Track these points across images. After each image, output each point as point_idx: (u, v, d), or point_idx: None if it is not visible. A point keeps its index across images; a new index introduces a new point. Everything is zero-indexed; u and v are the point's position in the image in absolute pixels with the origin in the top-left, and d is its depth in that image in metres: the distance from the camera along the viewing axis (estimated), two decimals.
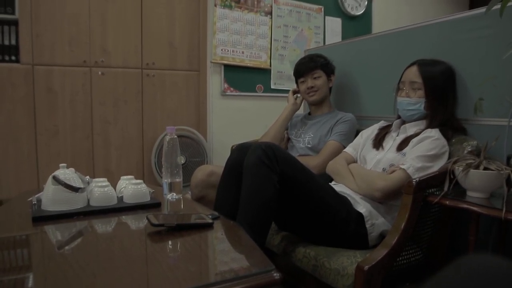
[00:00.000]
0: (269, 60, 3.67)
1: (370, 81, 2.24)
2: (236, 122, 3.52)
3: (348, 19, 4.15)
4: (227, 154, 1.75)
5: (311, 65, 2.18)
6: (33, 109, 2.79)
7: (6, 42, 2.77)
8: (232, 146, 2.05)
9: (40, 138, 2.81)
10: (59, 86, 2.85)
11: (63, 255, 1.03)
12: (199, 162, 3.13)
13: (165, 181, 1.44)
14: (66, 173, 1.35)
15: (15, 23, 2.75)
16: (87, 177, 1.46)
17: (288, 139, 2.28)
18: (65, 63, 2.88)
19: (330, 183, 1.75)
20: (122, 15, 3.04)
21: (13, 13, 2.74)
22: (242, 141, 1.95)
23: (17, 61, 2.76)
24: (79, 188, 1.32)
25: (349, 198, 1.60)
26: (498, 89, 1.51)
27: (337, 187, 1.69)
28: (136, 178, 1.54)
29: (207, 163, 3.19)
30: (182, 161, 2.98)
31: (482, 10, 1.62)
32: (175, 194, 1.43)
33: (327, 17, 4.02)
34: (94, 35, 2.96)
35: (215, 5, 3.41)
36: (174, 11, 3.22)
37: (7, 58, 2.76)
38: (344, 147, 1.92)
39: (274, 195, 1.42)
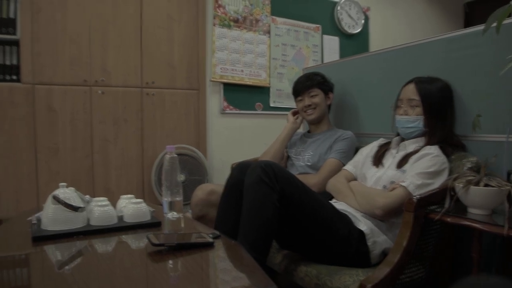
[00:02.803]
0: (268, 79, 3.70)
1: (368, 98, 2.26)
2: (235, 140, 3.53)
3: (345, 37, 4.20)
4: (227, 172, 1.75)
5: (308, 83, 2.19)
6: (34, 128, 2.79)
7: (8, 62, 2.80)
8: (232, 165, 2.05)
9: (40, 157, 2.81)
10: (59, 105, 2.87)
11: (63, 275, 1.02)
12: (199, 180, 3.12)
13: (165, 200, 1.44)
14: (66, 192, 1.35)
15: (16, 43, 2.78)
16: (87, 196, 1.46)
17: (288, 157, 2.28)
18: (66, 82, 2.89)
19: (330, 201, 1.74)
20: (122, 34, 3.07)
21: (14, 33, 2.78)
22: (242, 159, 1.96)
23: (18, 80, 2.78)
24: (79, 208, 1.32)
25: (350, 216, 1.59)
26: (495, 105, 1.52)
27: (338, 205, 1.68)
28: (136, 197, 1.53)
29: (207, 182, 3.18)
30: (182, 179, 2.98)
31: (477, 28, 1.65)
32: (175, 213, 1.43)
33: (324, 36, 4.07)
34: (95, 54, 2.98)
35: (214, 25, 3.45)
36: (173, 31, 3.26)
37: (8, 77, 2.79)
38: (344, 165, 1.92)
39: (274, 214, 1.42)
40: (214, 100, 3.46)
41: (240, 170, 1.59)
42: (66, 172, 2.88)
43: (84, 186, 2.89)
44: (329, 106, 2.27)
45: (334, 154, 2.04)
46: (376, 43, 4.32)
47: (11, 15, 2.80)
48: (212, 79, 3.42)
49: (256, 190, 1.42)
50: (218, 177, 3.34)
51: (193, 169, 3.17)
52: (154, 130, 3.19)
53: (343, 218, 1.57)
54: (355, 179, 1.81)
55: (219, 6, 3.49)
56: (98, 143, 2.99)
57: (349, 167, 1.85)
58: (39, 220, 1.35)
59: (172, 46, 3.26)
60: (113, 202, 1.48)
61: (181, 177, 1.40)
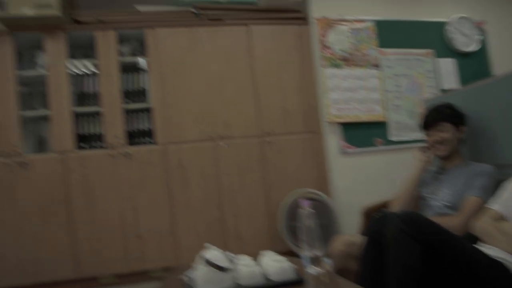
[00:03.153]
0: (384, 112, 3.60)
1: (503, 124, 2.06)
2: (359, 180, 3.43)
3: (461, 57, 3.94)
4: (355, 214, 1.71)
5: (436, 117, 2.09)
6: (169, 184, 3.07)
7: (144, 127, 3.17)
8: (367, 211, 2.00)
9: (176, 211, 3.06)
10: (189, 161, 3.12)
11: None
12: (327, 225, 3.12)
13: (306, 254, 1.45)
14: (214, 254, 1.45)
15: (148, 110, 3.15)
16: (230, 254, 1.54)
17: (419, 197, 2.16)
18: (193, 140, 3.15)
19: (476, 245, 1.61)
20: (238, 88, 3.29)
21: (146, 101, 3.15)
22: (370, 200, 1.91)
23: (153, 142, 3.10)
24: (228, 269, 1.40)
25: (505, 263, 1.45)
26: None
27: (488, 250, 1.54)
28: (265, 243, 1.58)
29: (335, 225, 3.16)
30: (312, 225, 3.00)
31: None
32: (317, 268, 1.43)
33: (438, 59, 3.88)
34: (215, 110, 3.22)
35: (323, 66, 3.50)
36: (285, 78, 3.39)
37: (144, 140, 3.14)
38: (486, 203, 1.76)
39: (418, 266, 1.36)
40: (332, 141, 3.45)
41: (378, 221, 1.56)
42: (200, 224, 3.08)
43: (216, 236, 3.07)
44: (460, 139, 2.12)
45: (474, 192, 1.88)
46: (498, 58, 3.98)
47: (143, 86, 3.19)
48: (328, 120, 3.45)
49: (398, 243, 1.38)
50: (347, 221, 3.27)
51: (320, 213, 3.17)
52: (277, 177, 3.28)
53: (498, 266, 1.44)
54: (504, 219, 1.65)
55: (325, 47, 3.54)
56: (226, 194, 3.16)
57: (495, 205, 1.69)
58: (191, 279, 1.46)
59: (285, 93, 3.37)
60: (246, 252, 1.54)
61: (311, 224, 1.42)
